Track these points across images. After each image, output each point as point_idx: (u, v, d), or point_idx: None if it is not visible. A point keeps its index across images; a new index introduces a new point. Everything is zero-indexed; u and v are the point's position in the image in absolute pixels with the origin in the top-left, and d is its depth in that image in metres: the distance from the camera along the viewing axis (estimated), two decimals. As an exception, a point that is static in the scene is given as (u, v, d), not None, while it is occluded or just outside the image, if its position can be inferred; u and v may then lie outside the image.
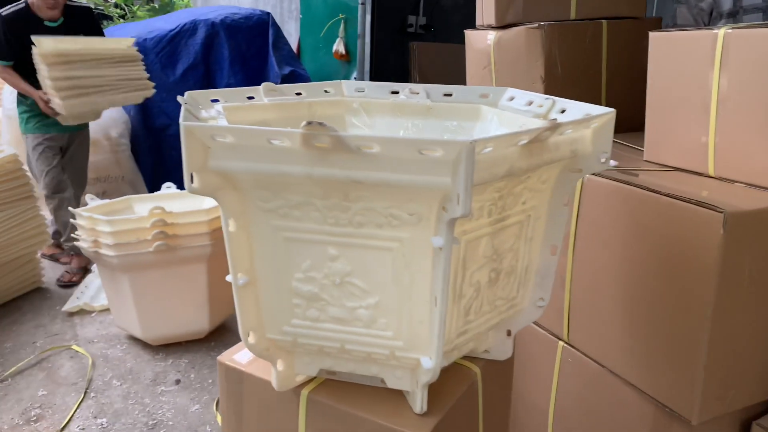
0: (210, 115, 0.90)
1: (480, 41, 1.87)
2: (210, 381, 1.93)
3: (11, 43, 2.61)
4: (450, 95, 1.22)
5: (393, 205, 0.77)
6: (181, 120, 0.77)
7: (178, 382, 1.93)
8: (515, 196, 0.88)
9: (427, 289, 0.81)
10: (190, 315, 2.06)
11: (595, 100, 1.77)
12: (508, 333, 1.04)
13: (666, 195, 1.08)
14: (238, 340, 2.19)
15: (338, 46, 4.09)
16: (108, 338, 2.22)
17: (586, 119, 0.85)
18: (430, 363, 0.82)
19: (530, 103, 1.10)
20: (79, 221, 1.97)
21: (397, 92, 1.25)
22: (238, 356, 1.05)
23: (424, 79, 3.83)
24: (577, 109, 0.98)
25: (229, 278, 0.87)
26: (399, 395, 0.94)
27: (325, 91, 1.25)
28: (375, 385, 0.96)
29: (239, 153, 0.75)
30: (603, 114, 0.88)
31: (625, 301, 1.20)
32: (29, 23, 2.60)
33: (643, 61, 1.81)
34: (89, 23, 2.80)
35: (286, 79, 3.52)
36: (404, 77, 4.42)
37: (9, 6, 2.63)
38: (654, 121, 1.37)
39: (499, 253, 0.90)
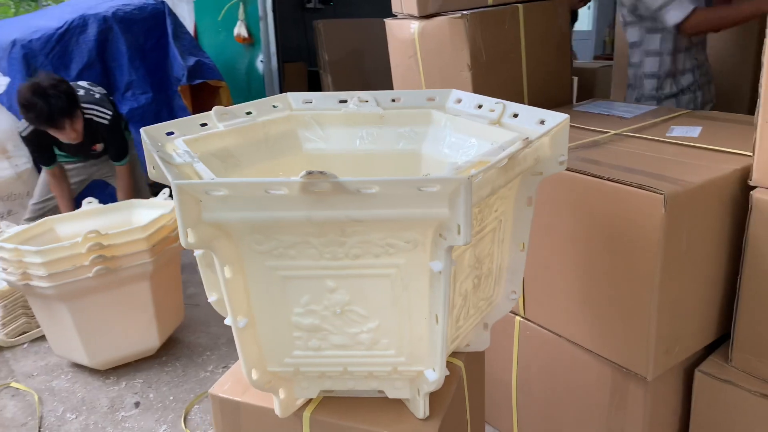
0: (183, 158, 0.88)
1: (403, 31, 1.90)
2: (171, 398, 1.90)
3: (43, 151, 2.60)
4: (398, 100, 1.25)
5: (389, 236, 0.80)
6: (171, 179, 0.76)
7: (137, 404, 1.89)
8: (490, 207, 0.93)
9: (425, 306, 0.85)
10: (139, 334, 2.00)
11: (518, 82, 1.87)
12: (485, 326, 1.11)
13: (609, 180, 1.18)
14: (190, 351, 2.17)
15: (239, 30, 3.96)
16: (48, 369, 2.11)
17: (550, 129, 0.91)
18: (434, 375, 0.88)
19: (480, 107, 1.15)
20: (2, 254, 1.85)
21: (345, 101, 1.26)
22: (231, 387, 1.06)
23: (334, 59, 3.81)
24: (529, 114, 1.04)
25: (228, 321, 0.87)
26: (396, 403, 0.99)
27: (273, 106, 1.25)
28: (372, 396, 1.00)
29: (233, 204, 0.76)
30: (561, 121, 0.94)
31: (577, 277, 1.31)
32: (48, 135, 2.46)
33: (556, 40, 1.92)
34: (104, 134, 2.62)
35: (192, 71, 3.38)
36: (312, 57, 4.37)
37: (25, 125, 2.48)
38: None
39: (480, 259, 0.96)
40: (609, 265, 1.23)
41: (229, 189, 0.74)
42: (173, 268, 2.12)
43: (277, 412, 0.97)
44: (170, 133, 1.05)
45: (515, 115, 1.06)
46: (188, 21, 4.59)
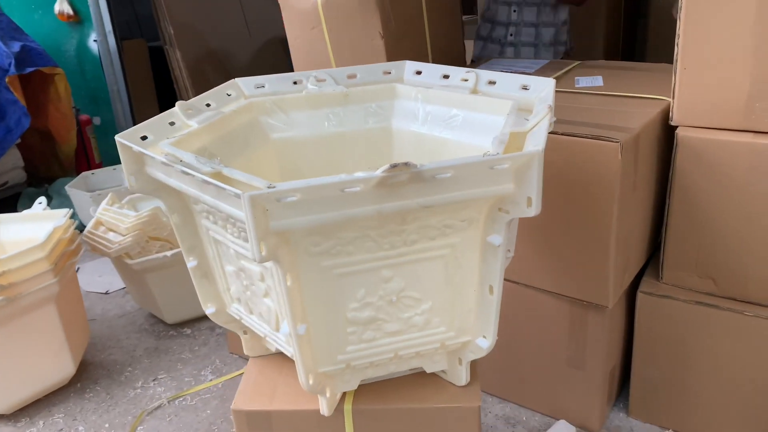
0: (209, 166, 0.79)
1: (301, 2, 1.82)
2: (107, 425, 1.72)
3: None
4: (354, 76, 1.23)
5: (448, 217, 0.81)
6: (229, 189, 0.68)
7: (68, 441, 1.69)
8: (504, 174, 0.97)
9: (475, 279, 0.88)
10: (50, 364, 1.77)
11: (423, 47, 1.91)
12: (484, 287, 1.17)
13: (563, 134, 1.28)
14: (107, 371, 1.99)
15: (62, 6, 3.49)
16: (-66, 427, 1.79)
17: (551, 95, 0.96)
18: (487, 343, 0.91)
19: (447, 77, 1.17)
20: None
21: (300, 81, 1.21)
22: (254, 398, 1.00)
23: (181, 32, 3.53)
24: (508, 80, 1.08)
25: (284, 331, 0.82)
26: (429, 376, 1.01)
27: (227, 95, 1.16)
28: (402, 374, 1.01)
29: (302, 208, 0.71)
30: (553, 84, 1.00)
31: (533, 228, 1.41)
32: None
33: (450, 3, 1.98)
34: None
35: (20, 58, 2.94)
36: (146, 31, 4.00)
37: None
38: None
39: (497, 226, 1.00)
40: (566, 213, 1.34)
41: (303, 193, 0.69)
42: (74, 284, 1.89)
43: (324, 411, 0.94)
44: (145, 138, 0.94)
45: (491, 83, 1.10)
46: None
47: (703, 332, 1.40)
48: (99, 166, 3.57)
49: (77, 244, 1.82)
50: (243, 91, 1.18)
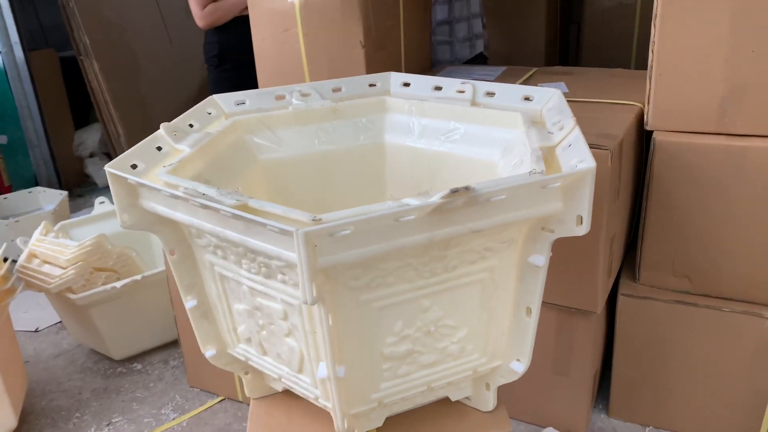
0: (237, 197, 0.70)
1: (275, 1, 1.71)
2: (59, 481, 1.55)
3: None
4: (340, 89, 1.16)
5: (489, 239, 0.76)
6: (269, 223, 0.61)
7: (16, 504, 1.50)
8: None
9: (510, 301, 0.84)
10: (-12, 419, 1.57)
11: (397, 56, 1.86)
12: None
13: (551, 143, 1.27)
14: (52, 420, 1.84)
15: (-43, 15, 3.16)
16: None
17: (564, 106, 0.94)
18: (521, 366, 0.87)
19: (439, 89, 1.12)
20: None
21: (283, 96, 1.13)
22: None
23: (97, 40, 3.28)
24: (508, 91, 1.05)
25: (321, 375, 0.75)
26: (453, 404, 0.96)
27: (208, 113, 1.06)
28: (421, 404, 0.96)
29: (351, 242, 0.64)
30: (560, 94, 0.98)
31: (520, 237, 1.39)
32: None
33: (422, 9, 1.95)
34: None
35: None
36: (56, 41, 3.70)
37: None
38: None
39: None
40: (554, 221, 1.33)
41: (358, 226, 0.62)
42: (8, 325, 1.69)
43: (352, 455, 0.87)
44: (135, 166, 0.83)
45: (490, 94, 1.07)
46: None
47: (682, 330, 1.44)
48: (9, 189, 3.27)
49: (12, 282, 1.63)
50: (222, 108, 1.09)
